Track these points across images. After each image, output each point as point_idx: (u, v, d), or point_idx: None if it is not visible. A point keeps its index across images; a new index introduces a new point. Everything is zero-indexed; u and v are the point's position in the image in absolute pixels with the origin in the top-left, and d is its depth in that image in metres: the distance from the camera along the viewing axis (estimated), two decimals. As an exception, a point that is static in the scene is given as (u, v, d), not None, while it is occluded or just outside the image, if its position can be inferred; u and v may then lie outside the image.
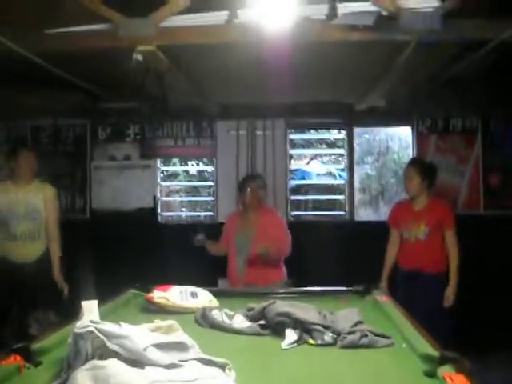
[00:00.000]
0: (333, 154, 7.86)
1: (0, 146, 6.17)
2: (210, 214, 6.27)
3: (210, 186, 6.34)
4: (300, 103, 5.73)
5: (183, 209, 7.05)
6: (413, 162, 4.63)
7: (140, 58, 3.36)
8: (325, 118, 6.09)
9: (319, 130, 6.79)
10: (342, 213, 6.22)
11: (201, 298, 3.06)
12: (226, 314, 2.65)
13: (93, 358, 1.56)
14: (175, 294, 3.02)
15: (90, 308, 1.95)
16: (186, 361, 1.64)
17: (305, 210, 6.87)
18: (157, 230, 6.06)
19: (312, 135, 7.12)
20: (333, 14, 3.30)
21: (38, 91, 4.86)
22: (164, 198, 6.39)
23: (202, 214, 6.57)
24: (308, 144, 7.98)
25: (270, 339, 2.39)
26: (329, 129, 6.65)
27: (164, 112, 5.65)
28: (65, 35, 3.59)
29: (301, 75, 4.39)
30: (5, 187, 4.53)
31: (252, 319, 2.55)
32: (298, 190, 6.63)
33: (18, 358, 1.97)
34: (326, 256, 5.46)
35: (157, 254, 5.65)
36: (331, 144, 7.64)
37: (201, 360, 1.67)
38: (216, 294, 3.18)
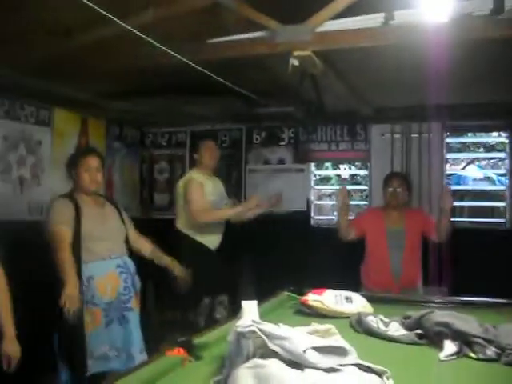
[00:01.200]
0: (492, 158, 7.47)
1: (162, 150, 6.60)
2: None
3: (363, 190, 6.29)
4: (458, 105, 5.50)
5: (335, 212, 7.03)
6: None
7: (296, 63, 3.40)
8: (484, 120, 5.81)
9: (477, 133, 6.48)
10: (501, 220, 5.91)
11: (355, 302, 3.04)
12: (381, 320, 2.61)
13: (254, 357, 1.60)
14: (330, 298, 3.02)
15: (250, 308, 2.00)
16: (345, 366, 1.63)
17: (460, 217, 6.58)
18: (309, 233, 6.11)
19: (469, 138, 6.83)
20: (498, 8, 3.12)
21: (197, 99, 5.10)
22: (316, 202, 6.43)
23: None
24: (464, 147, 7.64)
25: (427, 349, 2.32)
26: (489, 132, 6.33)
27: (318, 116, 5.69)
28: (224, 44, 3.73)
29: (459, 75, 4.22)
30: (204, 177, 4.74)
31: (408, 327, 2.49)
32: (453, 195, 6.36)
33: (182, 351, 2.09)
34: (481, 265, 5.21)
35: (309, 257, 5.70)
36: (490, 148, 7.27)
37: (359, 366, 1.65)
38: (369, 300, 3.15)
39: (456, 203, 6.36)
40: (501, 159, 6.24)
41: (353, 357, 1.69)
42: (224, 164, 6.35)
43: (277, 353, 1.58)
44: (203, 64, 3.82)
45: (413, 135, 5.80)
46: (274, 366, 1.51)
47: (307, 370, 1.54)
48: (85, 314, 3.45)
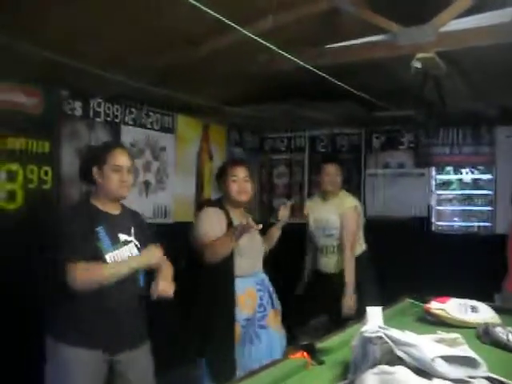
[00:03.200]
0: None
1: (280, 154, 6.68)
2: (487, 224, 5.97)
3: (487, 195, 6.02)
4: None
5: (456, 218, 6.78)
6: None
7: (419, 65, 3.33)
8: None
9: None
10: None
11: (482, 312, 2.92)
12: (510, 332, 2.49)
13: (380, 363, 1.58)
14: (454, 307, 2.92)
15: (375, 314, 1.98)
16: (475, 378, 1.58)
17: None
18: (429, 239, 5.95)
19: None
20: None
21: (316, 104, 5.12)
22: (437, 207, 6.25)
23: (477, 224, 6.26)
24: None
25: None
26: None
27: (440, 119, 5.53)
28: (343, 49, 3.73)
29: None
30: (317, 201, 4.74)
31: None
32: None
33: (305, 354, 2.11)
34: None
35: (429, 264, 5.54)
36: None
37: (491, 379, 1.60)
38: (496, 310, 3.01)
39: None
40: None
41: (484, 369, 1.64)
42: (344, 168, 6.33)
43: (403, 360, 1.56)
44: (322, 69, 3.82)
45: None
46: (401, 372, 1.49)
47: (435, 380, 1.51)
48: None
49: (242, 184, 3.54)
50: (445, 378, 1.52)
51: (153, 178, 5.24)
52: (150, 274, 2.92)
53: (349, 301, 4.33)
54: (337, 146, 6.45)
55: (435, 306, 2.95)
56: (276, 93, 4.72)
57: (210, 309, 3.35)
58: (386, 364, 1.59)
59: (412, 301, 3.31)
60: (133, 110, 4.99)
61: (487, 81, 4.39)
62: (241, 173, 3.57)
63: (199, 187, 5.87)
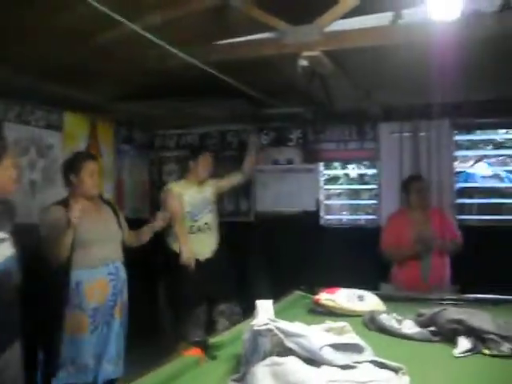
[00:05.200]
0: (500, 156, 7.44)
1: (171, 152, 6.63)
2: (372, 217, 6.22)
3: (372, 189, 6.28)
4: (466, 102, 5.48)
5: (344, 212, 7.05)
6: None
7: (305, 63, 3.41)
8: (492, 118, 5.80)
9: (485, 131, 6.46)
10: (510, 217, 5.91)
11: (368, 301, 3.06)
12: (394, 318, 2.62)
13: (271, 355, 1.62)
14: (342, 297, 3.03)
15: (265, 307, 2.01)
16: (361, 363, 1.65)
17: (469, 214, 6.55)
18: (319, 232, 6.12)
19: (478, 136, 6.80)
20: (507, 4, 3.12)
21: (206, 101, 5.12)
22: (326, 202, 6.44)
23: (364, 217, 6.52)
24: (473, 145, 7.63)
25: (440, 346, 2.33)
26: (497, 129, 6.33)
27: (327, 116, 5.69)
28: (232, 46, 3.75)
29: (467, 73, 4.21)
30: (187, 186, 4.86)
31: (422, 325, 2.50)
32: (462, 192, 6.35)
33: (198, 351, 2.11)
34: (491, 263, 5.21)
35: (319, 257, 5.71)
36: (498, 145, 7.24)
37: (375, 362, 1.67)
38: (382, 298, 3.16)
39: (467, 201, 6.35)
40: (510, 156, 6.20)
41: (368, 353, 1.71)
42: (233, 165, 6.38)
43: (293, 350, 1.60)
44: (212, 65, 3.84)
45: (421, 133, 5.78)
46: (291, 363, 1.53)
47: (323, 367, 1.56)
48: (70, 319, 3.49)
49: (95, 179, 3.71)
50: (333, 365, 1.58)
51: (39, 177, 5.04)
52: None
53: None
54: (226, 143, 6.48)
55: (324, 297, 3.04)
56: (166, 89, 4.67)
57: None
58: (277, 356, 1.62)
59: (302, 293, 3.40)
60: (16, 106, 4.78)
61: (371, 80, 4.58)
62: (95, 167, 3.72)
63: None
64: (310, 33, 3.41)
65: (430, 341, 2.39)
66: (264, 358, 1.61)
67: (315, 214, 6.17)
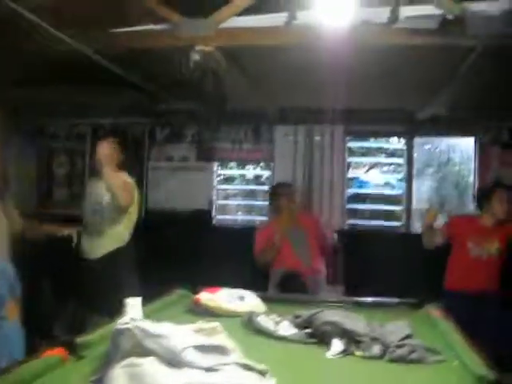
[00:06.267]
0: (391, 164, 7.66)
1: (61, 142, 6.36)
2: (265, 218, 6.22)
3: (267, 191, 6.28)
4: (359, 110, 5.61)
5: (239, 212, 7.02)
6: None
7: (197, 57, 3.35)
8: (385, 126, 5.97)
9: (378, 139, 6.64)
10: (397, 224, 6.11)
11: (248, 301, 3.02)
12: (272, 319, 2.59)
13: (130, 356, 1.53)
14: (223, 297, 2.99)
15: (134, 305, 1.92)
16: (226, 365, 1.59)
17: (361, 219, 6.72)
18: (211, 232, 6.06)
19: (371, 143, 6.97)
20: (394, 17, 3.21)
21: (99, 91, 4.94)
22: (220, 201, 6.40)
23: (258, 218, 6.51)
24: (367, 152, 7.80)
25: (315, 348, 2.32)
26: (388, 137, 6.51)
27: (221, 114, 5.64)
28: (126, 34, 3.63)
29: (361, 80, 4.30)
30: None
31: (299, 326, 2.48)
32: (355, 198, 6.50)
33: (62, 350, 1.99)
34: (378, 266, 5.37)
35: (209, 256, 5.65)
36: (390, 153, 7.45)
37: (240, 365, 1.62)
38: (266, 300, 3.13)
39: (357, 206, 6.49)
40: (400, 165, 6.40)
41: (235, 356, 1.66)
42: (126, 160, 6.21)
43: (154, 351, 1.52)
44: (106, 54, 3.70)
45: (316, 138, 5.86)
46: (149, 364, 1.45)
47: (185, 369, 1.49)
48: None
49: None
50: (195, 367, 1.51)
51: None
52: None
53: None
54: (120, 137, 6.26)
55: (205, 296, 2.98)
56: (57, 76, 4.46)
57: None
58: (138, 356, 1.54)
59: (184, 292, 3.32)
60: None
61: (267, 80, 4.57)
62: None
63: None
64: (204, 27, 3.37)
65: (305, 343, 2.38)
66: (123, 358, 1.52)
67: (208, 214, 6.11)
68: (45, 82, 4.67)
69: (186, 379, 1.42)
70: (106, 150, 4.32)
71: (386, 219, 6.50)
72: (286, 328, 2.50)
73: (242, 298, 3.03)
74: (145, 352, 1.53)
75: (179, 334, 1.60)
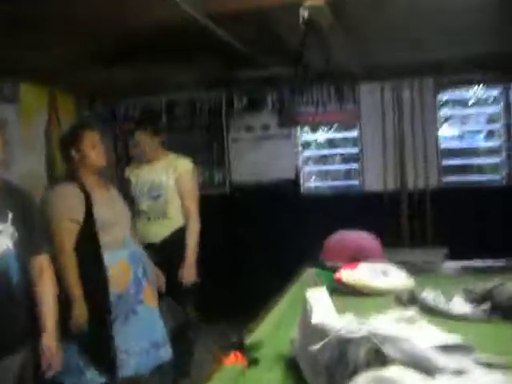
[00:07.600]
0: (486, 113, 7.07)
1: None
2: (355, 182, 5.93)
3: (353, 153, 5.96)
4: (450, 58, 5.16)
5: (324, 178, 6.66)
6: None
7: (306, 14, 3.04)
8: (476, 74, 5.52)
9: (472, 88, 6.14)
10: (497, 177, 5.73)
11: (393, 276, 2.76)
12: (440, 296, 2.31)
13: (366, 366, 1.27)
14: (365, 273, 2.73)
15: (320, 299, 1.66)
16: (469, 365, 1.33)
17: (456, 175, 6.24)
18: (300, 201, 5.80)
19: (463, 94, 6.47)
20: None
21: (172, 64, 4.68)
22: (305, 168, 6.11)
23: (346, 182, 6.21)
24: (459, 103, 7.22)
25: (504, 325, 2.06)
26: (483, 85, 6.02)
27: (306, 77, 5.30)
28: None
29: (452, 26, 3.93)
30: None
31: (475, 302, 2.21)
32: (448, 153, 6.05)
33: (240, 356, 1.75)
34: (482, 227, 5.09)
35: (300, 226, 5.41)
36: (483, 102, 6.84)
37: (483, 364, 1.35)
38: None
39: (452, 162, 6.06)
40: (495, 114, 5.94)
41: (474, 353, 1.39)
42: (204, 135, 5.96)
43: (394, 359, 1.25)
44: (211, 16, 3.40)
45: (404, 92, 5.50)
46: (402, 377, 1.18)
47: (438, 377, 1.22)
48: None
49: (100, 149, 3.32)
50: (445, 372, 1.25)
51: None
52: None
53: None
54: (196, 111, 6.03)
55: (346, 274, 2.74)
56: (127, 52, 4.21)
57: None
58: (368, 365, 1.28)
59: (318, 271, 3.08)
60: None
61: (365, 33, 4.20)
62: (97, 137, 3.34)
63: (51, 163, 5.21)
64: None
65: (488, 321, 2.10)
66: (355, 371, 1.26)
67: (294, 182, 5.85)
68: (117, 61, 4.43)
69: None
70: (145, 138, 4.21)
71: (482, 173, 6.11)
72: (460, 305, 2.23)
73: (385, 273, 2.76)
74: (381, 360, 1.26)
75: (414, 335, 1.33)
